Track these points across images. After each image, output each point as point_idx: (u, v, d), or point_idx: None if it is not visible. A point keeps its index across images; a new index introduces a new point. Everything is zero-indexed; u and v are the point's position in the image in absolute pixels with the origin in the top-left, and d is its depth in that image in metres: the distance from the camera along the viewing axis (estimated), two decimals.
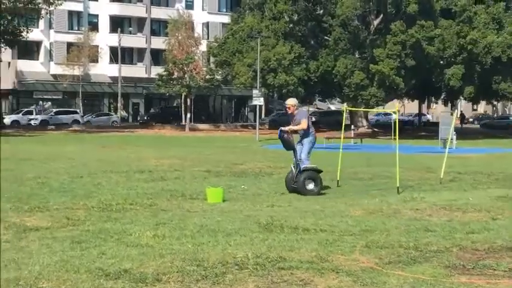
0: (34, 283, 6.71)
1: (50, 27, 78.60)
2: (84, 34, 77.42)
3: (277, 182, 16.98)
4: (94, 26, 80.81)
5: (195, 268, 7.38)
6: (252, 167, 21.27)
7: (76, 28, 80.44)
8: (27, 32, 61.19)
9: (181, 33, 63.56)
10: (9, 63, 75.01)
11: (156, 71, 73.11)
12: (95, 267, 7.32)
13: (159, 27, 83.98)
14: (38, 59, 79.46)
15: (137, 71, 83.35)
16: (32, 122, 69.55)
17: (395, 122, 17.81)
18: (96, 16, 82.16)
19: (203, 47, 69.45)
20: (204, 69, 65.99)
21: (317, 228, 9.78)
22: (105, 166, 20.79)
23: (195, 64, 62.93)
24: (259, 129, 47.91)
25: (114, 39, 78.83)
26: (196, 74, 62.97)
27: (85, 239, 8.88)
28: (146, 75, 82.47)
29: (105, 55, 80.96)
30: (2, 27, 58.21)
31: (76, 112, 74.52)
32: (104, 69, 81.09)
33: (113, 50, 79.60)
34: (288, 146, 14.65)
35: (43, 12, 62.62)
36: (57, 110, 74.11)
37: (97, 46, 78.76)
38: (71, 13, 79.33)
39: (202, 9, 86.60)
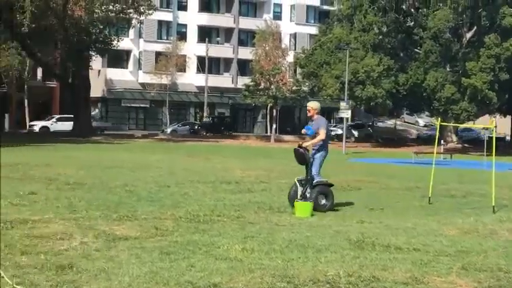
0: None
1: (140, 36, 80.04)
2: (173, 43, 78.51)
3: (366, 196, 16.68)
4: (182, 36, 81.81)
5: (285, 285, 7.21)
6: (340, 180, 20.87)
7: (165, 37, 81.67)
8: (118, 41, 62.37)
9: (268, 43, 63.64)
10: (99, 71, 76.68)
11: (243, 81, 73.50)
12: (184, 280, 7.21)
13: (246, 37, 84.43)
14: (127, 68, 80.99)
15: (224, 80, 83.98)
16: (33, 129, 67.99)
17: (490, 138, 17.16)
18: (185, 26, 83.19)
19: (290, 58, 69.42)
20: (291, 80, 65.90)
21: (410, 247, 9.50)
22: (191, 176, 20.82)
23: (281, 75, 62.89)
24: (346, 141, 47.32)
25: (201, 49, 79.72)
26: (283, 85, 62.90)
27: (174, 250, 8.80)
28: (232, 85, 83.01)
29: (192, 65, 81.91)
30: (93, 36, 59.54)
31: None
32: (191, 79, 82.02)
33: (200, 60, 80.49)
34: (303, 160, 13.80)
35: (134, 21, 63.76)
36: (59, 116, 72.18)
37: (185, 55, 79.71)
38: (160, 23, 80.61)
39: (290, 20, 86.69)
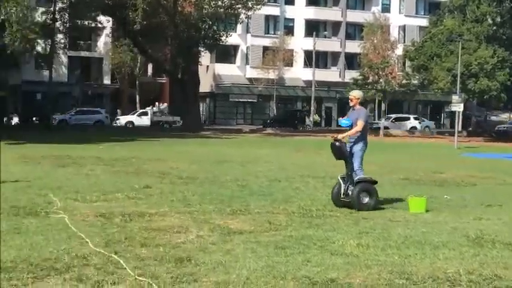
0: None
1: (247, 31, 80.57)
2: (280, 38, 78.71)
3: (482, 192, 16.22)
4: (289, 30, 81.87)
5: (404, 282, 7.13)
6: (453, 176, 20.45)
7: (272, 32, 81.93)
8: (227, 37, 62.98)
9: (377, 36, 62.84)
10: (207, 66, 77.78)
11: (350, 75, 72.88)
12: (301, 274, 7.23)
13: (354, 30, 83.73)
14: (234, 63, 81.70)
15: (331, 75, 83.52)
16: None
17: None
18: (292, 20, 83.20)
19: (399, 50, 68.29)
20: (400, 73, 64.84)
21: None
22: (301, 170, 20.79)
23: (390, 68, 61.93)
24: (458, 136, 46.15)
25: (309, 43, 79.58)
26: (392, 78, 61.93)
27: (288, 244, 8.82)
28: (340, 79, 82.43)
29: (299, 59, 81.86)
30: (203, 32, 60.34)
31: (99, 112, 68.61)
32: (298, 73, 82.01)
33: (308, 54, 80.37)
34: (340, 154, 12.88)
35: (241, 16, 64.21)
36: (79, 109, 68.10)
37: (292, 50, 79.77)
38: (267, 17, 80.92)
39: (399, 12, 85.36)
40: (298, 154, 31.12)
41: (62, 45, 62.93)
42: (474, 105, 78.93)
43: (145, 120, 68.71)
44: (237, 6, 60.29)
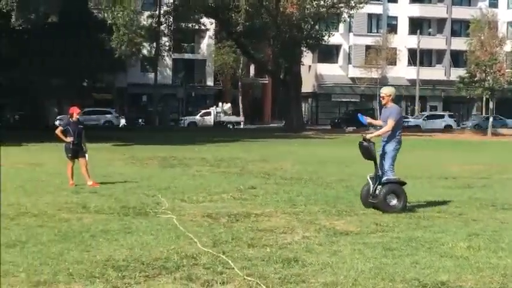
0: None
1: (350, 30, 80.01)
2: (383, 36, 77.75)
3: None
4: (392, 28, 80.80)
5: None
6: None
7: (375, 31, 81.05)
8: (329, 36, 62.78)
9: (484, 33, 61.17)
10: (309, 66, 77.71)
11: (456, 73, 71.24)
12: (410, 277, 7.13)
13: (460, 27, 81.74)
14: (337, 62, 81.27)
15: (435, 73, 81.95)
16: (57, 123, 57.80)
17: None
18: (395, 18, 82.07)
19: (508, 47, 66.31)
20: (509, 70, 62.92)
21: None
22: (405, 171, 20.19)
23: (499, 65, 60.17)
24: None
25: (412, 41, 78.29)
26: (501, 76, 60.16)
27: (396, 246, 8.71)
28: (445, 78, 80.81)
29: (403, 57, 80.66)
30: (305, 32, 60.38)
31: (109, 112, 65.86)
32: (402, 72, 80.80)
33: (412, 52, 79.09)
34: (368, 154, 12.32)
35: (344, 15, 63.88)
36: (88, 109, 62.71)
37: (395, 48, 78.63)
38: (370, 16, 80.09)
39: (508, 7, 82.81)
40: (401, 155, 30.58)
41: (167, 48, 64.34)
42: None
43: (208, 121, 68.31)
44: (340, 5, 60.06)
